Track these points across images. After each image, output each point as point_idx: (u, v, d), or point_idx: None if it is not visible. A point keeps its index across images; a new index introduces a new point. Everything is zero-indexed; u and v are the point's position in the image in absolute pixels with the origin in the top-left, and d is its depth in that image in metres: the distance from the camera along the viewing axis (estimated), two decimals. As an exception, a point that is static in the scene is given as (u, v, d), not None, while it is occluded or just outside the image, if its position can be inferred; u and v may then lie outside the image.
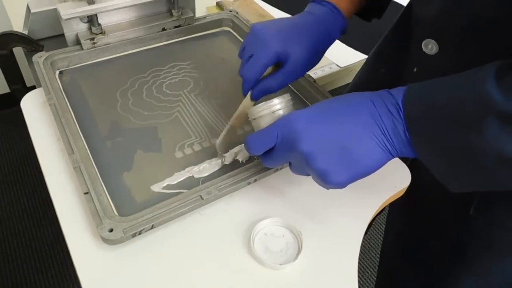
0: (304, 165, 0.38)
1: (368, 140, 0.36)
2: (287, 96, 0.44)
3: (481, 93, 0.31)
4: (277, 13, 0.92)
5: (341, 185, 0.38)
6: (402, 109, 0.35)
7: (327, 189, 0.39)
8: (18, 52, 0.65)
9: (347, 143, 0.36)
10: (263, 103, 0.43)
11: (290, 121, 0.38)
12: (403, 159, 0.51)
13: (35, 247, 1.24)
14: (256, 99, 0.49)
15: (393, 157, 0.37)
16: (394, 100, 0.36)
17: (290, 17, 0.51)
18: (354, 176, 0.37)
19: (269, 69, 0.48)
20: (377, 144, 0.36)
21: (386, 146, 0.36)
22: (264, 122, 0.42)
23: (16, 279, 1.16)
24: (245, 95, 0.49)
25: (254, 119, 0.43)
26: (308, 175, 0.40)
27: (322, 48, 0.50)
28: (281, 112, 0.42)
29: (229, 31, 0.72)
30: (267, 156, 0.41)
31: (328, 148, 0.37)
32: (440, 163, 0.35)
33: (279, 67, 0.48)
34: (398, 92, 0.36)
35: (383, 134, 0.36)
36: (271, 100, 0.42)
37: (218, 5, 0.89)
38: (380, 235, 1.34)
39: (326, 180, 0.37)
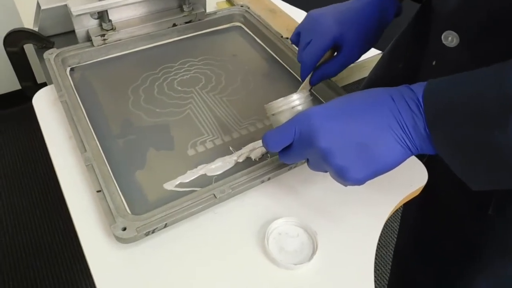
0: (322, 161, 0.37)
1: (387, 136, 0.35)
2: (306, 92, 0.43)
3: (506, 89, 0.30)
4: (287, 8, 0.91)
5: (360, 182, 0.37)
6: (422, 104, 0.34)
7: (345, 186, 0.38)
8: (29, 49, 0.64)
9: (365, 139, 0.36)
10: (282, 98, 0.42)
11: (308, 117, 0.38)
12: (419, 157, 0.50)
13: (47, 241, 1.25)
14: (314, 84, 0.51)
15: (413, 154, 0.36)
16: (414, 95, 0.35)
17: (345, 2, 0.52)
18: (372, 173, 0.37)
19: (326, 54, 0.50)
20: (396, 140, 0.35)
21: (406, 143, 0.35)
22: (283, 118, 0.42)
23: (28, 273, 1.18)
24: (303, 80, 0.50)
25: (273, 114, 0.43)
26: (326, 171, 0.39)
27: (377, 31, 0.51)
28: (300, 108, 0.42)
29: (240, 27, 0.71)
30: (284, 152, 0.41)
31: (346, 145, 0.36)
32: (461, 160, 0.34)
33: (335, 52, 0.50)
34: (419, 88, 0.35)
35: (402, 130, 0.35)
36: (290, 95, 0.42)
37: (228, 0, 0.88)
38: (392, 233, 1.33)
39: (345, 177, 0.37)
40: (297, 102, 0.42)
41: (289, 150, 0.40)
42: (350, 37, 0.48)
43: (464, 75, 0.33)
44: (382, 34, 0.52)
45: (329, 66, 0.50)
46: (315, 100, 0.58)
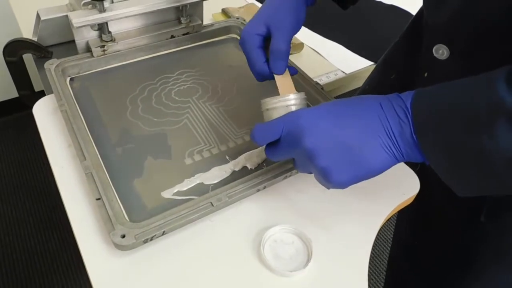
0: (307, 161, 0.38)
1: (373, 142, 0.36)
2: (303, 94, 0.44)
3: (492, 96, 0.31)
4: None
5: (342, 185, 0.38)
6: (410, 111, 0.35)
7: (328, 188, 0.39)
8: (26, 57, 0.65)
9: (351, 143, 0.37)
10: (279, 96, 0.43)
11: (297, 117, 0.39)
12: (412, 165, 0.51)
13: (40, 251, 1.24)
14: (280, 71, 0.48)
15: (398, 161, 0.37)
16: (402, 103, 0.36)
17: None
18: (356, 177, 0.37)
19: None
20: (381, 146, 0.36)
21: (391, 150, 0.36)
22: (276, 114, 0.43)
23: (21, 283, 1.17)
24: (280, 72, 0.48)
25: (267, 109, 0.44)
26: (311, 172, 0.40)
27: (296, 7, 0.48)
28: (293, 108, 0.43)
29: (236, 38, 0.72)
30: (271, 148, 0.42)
31: (332, 147, 0.37)
32: (449, 166, 0.35)
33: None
34: (407, 95, 0.36)
35: (388, 137, 0.36)
36: (287, 94, 0.43)
37: (224, 12, 0.90)
38: (385, 242, 1.34)
39: (328, 178, 0.37)
40: (292, 102, 0.43)
41: (275, 147, 0.41)
42: (273, 23, 0.47)
43: (452, 83, 0.34)
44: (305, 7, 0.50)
45: (271, 47, 0.47)
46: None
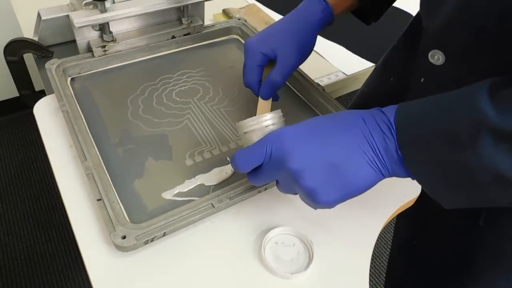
0: (292, 183, 0.37)
1: (359, 158, 0.35)
2: (279, 112, 0.43)
3: (475, 110, 0.30)
4: (284, 21, 0.92)
5: (330, 204, 0.37)
6: (394, 127, 0.35)
7: (315, 209, 0.39)
8: (27, 57, 0.65)
9: (337, 160, 0.36)
10: (255, 117, 0.42)
11: (280, 137, 0.38)
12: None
13: (40, 251, 1.24)
14: (266, 97, 0.52)
15: (384, 177, 0.36)
16: (386, 118, 0.35)
17: (276, 21, 0.56)
18: (343, 196, 0.37)
19: (267, 70, 0.53)
20: (367, 163, 0.35)
21: (377, 165, 0.35)
22: (256, 137, 0.41)
23: (20, 283, 1.17)
24: (258, 96, 0.53)
25: (245, 133, 0.42)
26: (296, 193, 0.39)
27: (306, 38, 0.53)
28: (272, 128, 0.42)
29: (237, 39, 0.72)
30: (254, 173, 0.41)
31: (317, 166, 0.36)
32: (433, 180, 0.34)
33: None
34: (390, 110, 0.36)
35: (374, 153, 0.35)
36: (264, 114, 0.42)
37: (225, 12, 0.90)
38: (385, 244, 1.34)
39: (315, 199, 0.36)
40: (269, 122, 0.42)
41: (259, 171, 0.40)
42: (279, 48, 0.51)
43: (435, 97, 0.34)
44: (316, 40, 0.54)
45: (271, 76, 0.51)
46: (308, 111, 0.60)
